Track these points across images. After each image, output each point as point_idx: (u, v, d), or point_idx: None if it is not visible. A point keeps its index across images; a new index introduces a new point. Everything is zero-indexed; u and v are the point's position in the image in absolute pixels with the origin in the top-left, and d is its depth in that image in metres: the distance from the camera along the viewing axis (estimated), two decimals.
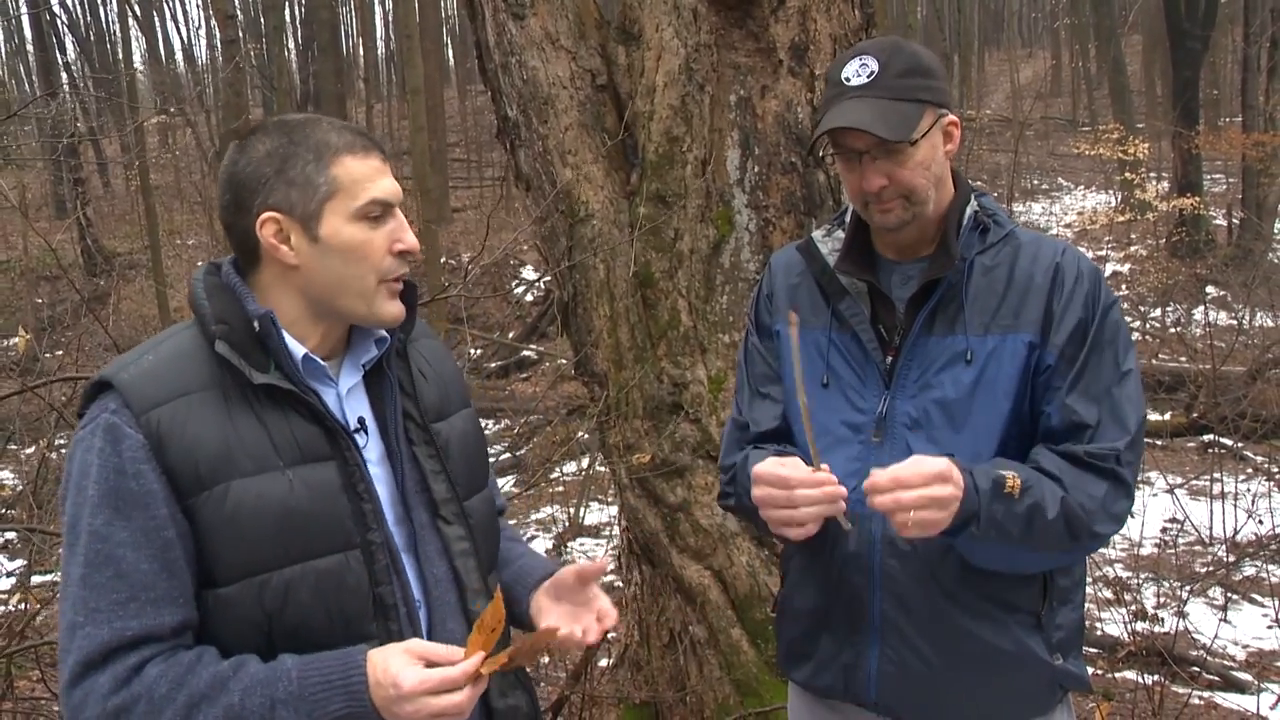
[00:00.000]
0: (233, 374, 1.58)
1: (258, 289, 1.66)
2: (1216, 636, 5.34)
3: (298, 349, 1.63)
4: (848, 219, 2.09)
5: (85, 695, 1.48)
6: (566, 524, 8.61)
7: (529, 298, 18.51)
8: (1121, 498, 1.87)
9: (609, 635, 4.74)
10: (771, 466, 1.83)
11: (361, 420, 1.69)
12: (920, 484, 1.71)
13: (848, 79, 1.93)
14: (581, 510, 8.73)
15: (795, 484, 1.79)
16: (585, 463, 9.23)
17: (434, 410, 1.79)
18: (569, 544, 8.18)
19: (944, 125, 1.96)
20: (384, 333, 1.74)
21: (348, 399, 1.69)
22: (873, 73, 1.91)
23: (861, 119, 1.87)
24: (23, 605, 4.40)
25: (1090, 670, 5.16)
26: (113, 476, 1.51)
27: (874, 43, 2.00)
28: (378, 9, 37.47)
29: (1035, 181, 25.10)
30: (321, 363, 1.66)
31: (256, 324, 1.59)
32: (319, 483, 1.58)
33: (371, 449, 1.69)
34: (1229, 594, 6.29)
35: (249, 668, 1.51)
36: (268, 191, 1.62)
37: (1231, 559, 6.83)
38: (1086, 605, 6.10)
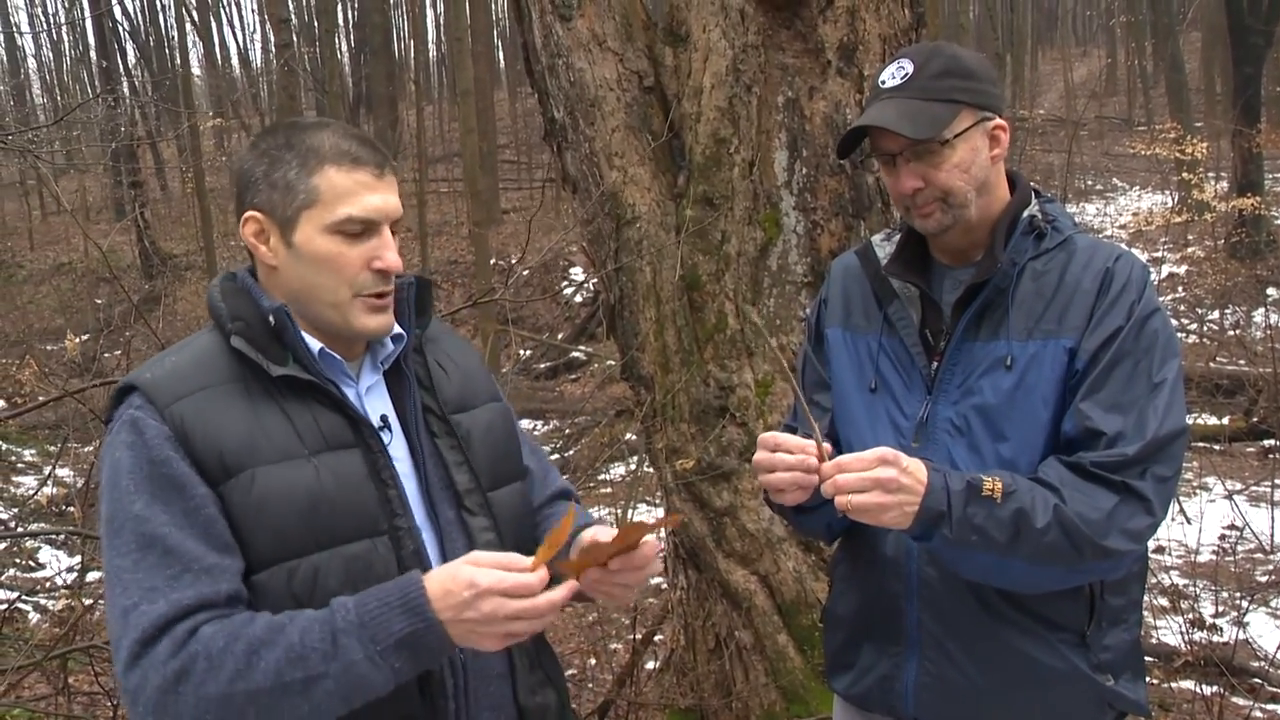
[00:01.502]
0: (252, 369, 1.60)
1: (265, 289, 1.68)
2: (1279, 648, 5.21)
3: (313, 344, 1.64)
4: None
5: (145, 671, 1.47)
6: (615, 525, 8.60)
7: (578, 299, 18.56)
8: (1139, 513, 1.76)
9: (655, 639, 4.74)
10: (772, 433, 1.82)
11: (384, 418, 1.70)
12: (860, 467, 1.69)
13: (883, 83, 1.93)
14: (630, 512, 8.72)
15: (779, 446, 1.78)
16: (633, 464, 9.24)
17: (454, 403, 1.78)
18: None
19: (988, 129, 1.92)
20: (400, 330, 1.74)
21: (368, 397, 1.70)
22: (907, 75, 1.90)
23: (887, 118, 1.86)
24: (75, 605, 4.48)
25: (1146, 679, 5.07)
26: (146, 465, 1.52)
27: (915, 47, 1.98)
28: (430, 12, 37.78)
29: (1089, 182, 24.71)
30: (338, 358, 1.67)
31: (272, 318, 1.61)
32: (344, 469, 1.59)
33: (396, 446, 1.69)
34: None
35: (305, 612, 1.50)
36: (254, 190, 1.64)
37: None
38: (1143, 612, 5.95)
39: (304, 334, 1.63)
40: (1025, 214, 1.95)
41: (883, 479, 1.69)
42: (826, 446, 1.78)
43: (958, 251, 1.99)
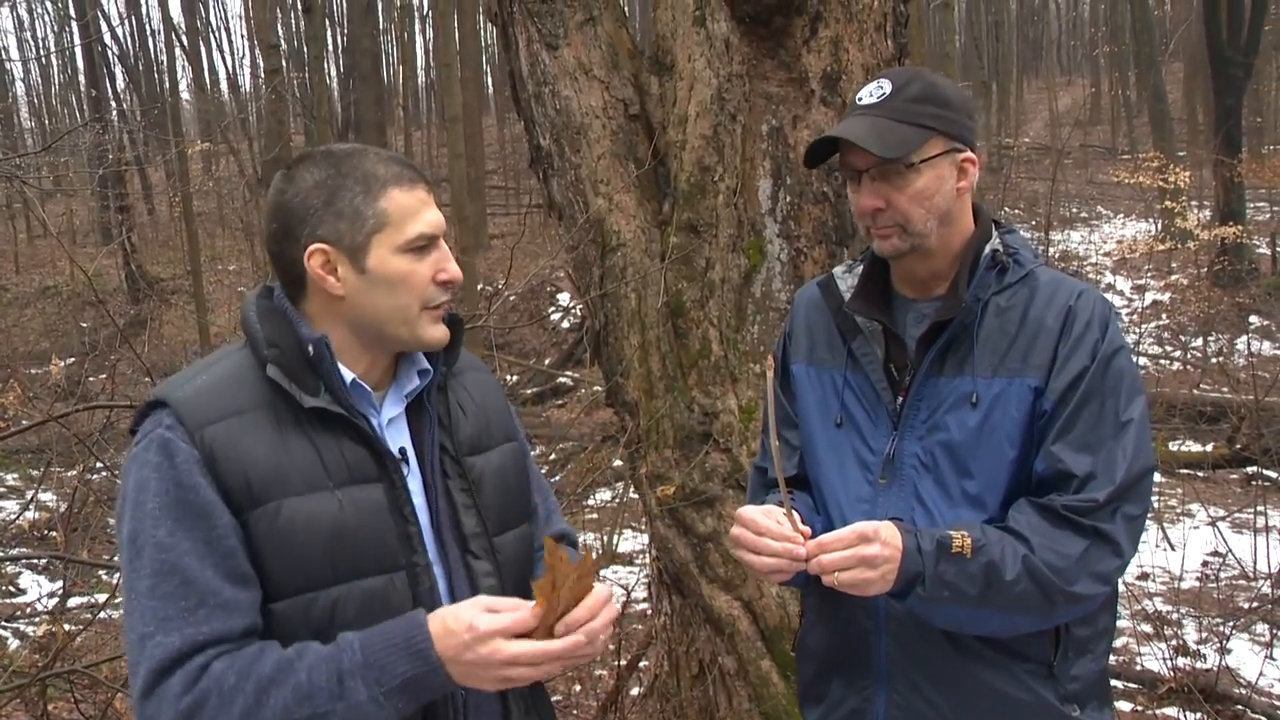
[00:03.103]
0: (284, 397, 1.61)
1: (307, 316, 1.68)
2: (1261, 674, 5.22)
3: (347, 374, 1.65)
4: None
5: (159, 703, 1.49)
6: (600, 551, 8.60)
7: (565, 324, 18.57)
8: (1108, 556, 1.79)
9: (640, 664, 4.72)
10: (752, 511, 1.85)
11: (402, 450, 1.71)
12: (841, 546, 1.73)
13: (860, 99, 1.95)
14: (615, 538, 8.71)
15: (763, 532, 1.80)
16: (619, 490, 9.23)
17: (469, 444, 1.79)
18: (601, 571, 8.17)
19: (957, 160, 1.93)
20: (427, 364, 1.75)
21: (389, 429, 1.71)
22: (884, 94, 1.92)
23: (857, 133, 1.87)
24: (56, 630, 4.44)
25: (1129, 706, 5.08)
26: (172, 489, 1.53)
27: (897, 70, 2.01)
28: (419, 38, 37.94)
29: (1074, 210, 24.90)
30: (368, 389, 1.68)
31: (311, 348, 1.61)
32: (367, 503, 1.60)
33: (411, 480, 1.70)
34: (1275, 630, 6.15)
35: (312, 648, 1.52)
36: (316, 222, 1.64)
37: (1277, 594, 6.68)
38: (1126, 639, 5.95)
39: (339, 365, 1.64)
40: (987, 248, 1.96)
41: (866, 556, 1.72)
42: (805, 529, 1.79)
43: (919, 282, 2.00)
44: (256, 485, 1.55)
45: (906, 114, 1.89)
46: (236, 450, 1.55)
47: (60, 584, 6.64)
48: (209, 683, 1.48)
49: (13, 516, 8.53)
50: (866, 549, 1.72)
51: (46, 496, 8.60)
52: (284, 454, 1.57)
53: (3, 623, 6.78)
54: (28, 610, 7.16)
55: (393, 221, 1.64)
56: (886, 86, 1.92)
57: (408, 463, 1.70)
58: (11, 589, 8.21)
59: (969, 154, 1.95)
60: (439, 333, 1.70)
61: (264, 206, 1.71)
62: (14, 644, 6.59)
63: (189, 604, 1.50)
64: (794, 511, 1.81)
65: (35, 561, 8.06)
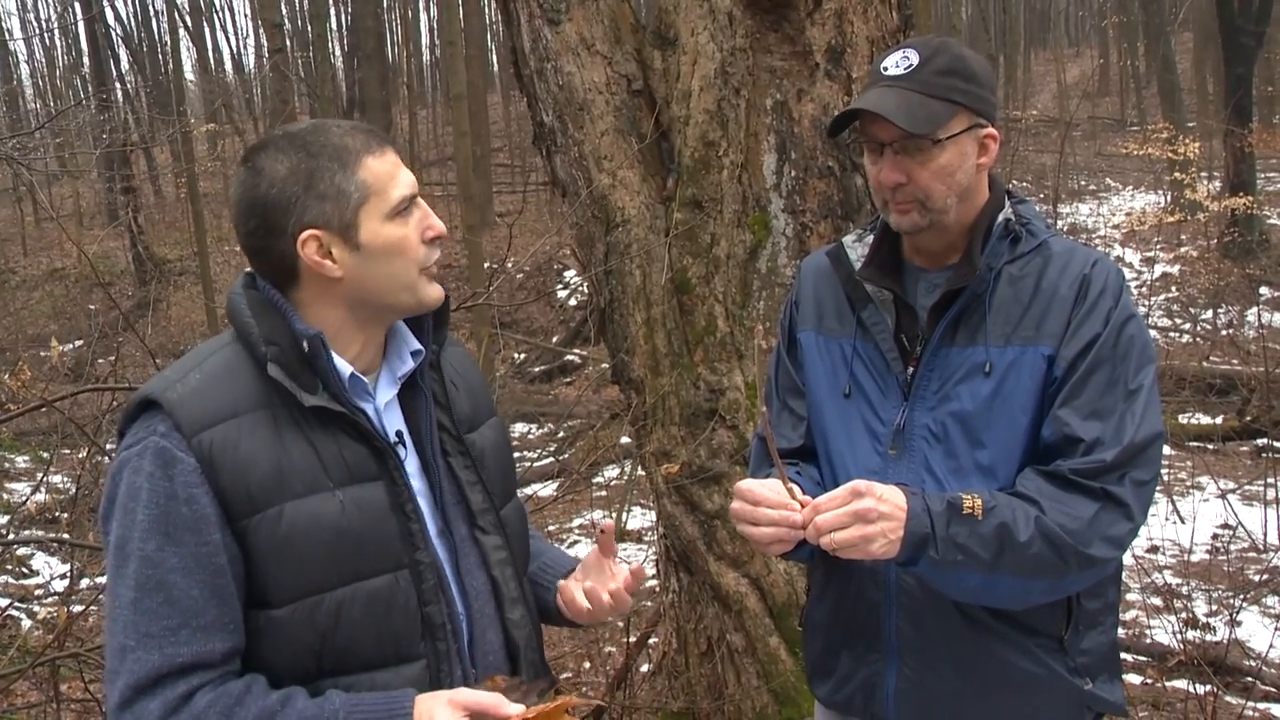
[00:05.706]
0: (282, 395, 1.57)
1: (298, 306, 1.63)
2: (1272, 646, 5.21)
3: (345, 369, 1.62)
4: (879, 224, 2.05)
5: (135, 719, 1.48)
6: (613, 516, 8.60)
7: (572, 302, 18.56)
8: (1119, 519, 1.77)
9: (649, 641, 4.73)
10: (750, 483, 1.83)
11: (399, 434, 1.69)
12: (835, 505, 1.70)
13: (885, 69, 1.90)
14: (624, 515, 8.71)
15: (760, 502, 1.78)
16: (628, 467, 9.24)
17: (467, 421, 1.78)
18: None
19: (980, 136, 1.90)
20: (419, 345, 1.73)
21: (385, 413, 1.69)
22: (911, 65, 1.87)
23: (885, 106, 1.83)
24: (65, 610, 4.46)
25: (1139, 679, 5.08)
26: (164, 501, 1.49)
27: (922, 39, 1.95)
28: (423, 16, 37.78)
29: (1082, 182, 24.74)
30: (364, 379, 1.65)
31: (306, 344, 1.57)
32: (368, 503, 1.58)
33: (409, 463, 1.68)
34: None
35: (296, 703, 1.50)
36: (301, 209, 1.58)
37: None
38: (1136, 612, 5.94)
39: (335, 359, 1.61)
40: (1000, 217, 1.93)
41: (860, 510, 1.69)
42: (805, 498, 1.77)
43: (933, 253, 1.97)
44: (257, 490, 1.52)
45: (934, 87, 1.85)
46: (236, 455, 1.52)
47: (69, 566, 6.67)
48: (188, 716, 1.47)
49: (22, 499, 8.57)
50: (859, 503, 1.69)
51: (58, 479, 8.63)
52: (283, 456, 1.54)
53: (16, 603, 6.81)
54: (37, 591, 7.21)
55: (375, 190, 1.60)
56: (914, 57, 1.87)
57: (404, 444, 1.68)
58: (25, 570, 8.26)
59: (991, 130, 1.92)
60: (436, 292, 1.67)
61: (234, 203, 1.63)
62: (26, 624, 6.63)
63: (172, 623, 1.48)
64: (790, 481, 1.79)
65: (47, 544, 8.10)
